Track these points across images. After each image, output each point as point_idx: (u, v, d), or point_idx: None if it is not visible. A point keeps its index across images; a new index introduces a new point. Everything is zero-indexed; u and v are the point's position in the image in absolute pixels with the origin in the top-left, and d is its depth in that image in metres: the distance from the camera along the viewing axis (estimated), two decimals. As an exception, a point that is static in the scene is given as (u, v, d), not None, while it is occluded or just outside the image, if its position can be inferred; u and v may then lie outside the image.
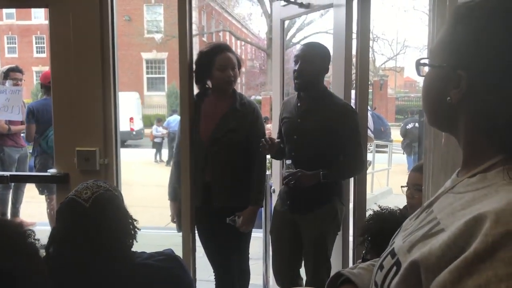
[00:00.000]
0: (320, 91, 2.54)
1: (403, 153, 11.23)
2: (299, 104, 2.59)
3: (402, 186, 2.16)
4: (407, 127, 10.99)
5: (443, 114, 0.80)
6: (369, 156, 7.57)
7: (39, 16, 26.04)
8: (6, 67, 4.36)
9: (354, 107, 2.57)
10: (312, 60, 2.46)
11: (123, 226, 1.43)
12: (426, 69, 0.84)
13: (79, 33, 2.41)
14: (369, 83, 3.73)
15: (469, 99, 0.74)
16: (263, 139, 2.51)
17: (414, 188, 2.05)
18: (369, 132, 4.26)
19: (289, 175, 2.46)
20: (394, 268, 0.74)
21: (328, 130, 2.46)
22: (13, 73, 4.27)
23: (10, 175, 2.74)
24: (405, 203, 2.17)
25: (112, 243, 1.37)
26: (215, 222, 2.62)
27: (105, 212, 1.39)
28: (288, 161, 2.56)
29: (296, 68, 2.48)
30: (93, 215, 1.36)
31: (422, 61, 0.83)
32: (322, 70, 2.51)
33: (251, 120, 2.61)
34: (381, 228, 1.67)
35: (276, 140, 2.58)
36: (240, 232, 2.60)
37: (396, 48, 30.32)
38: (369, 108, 3.23)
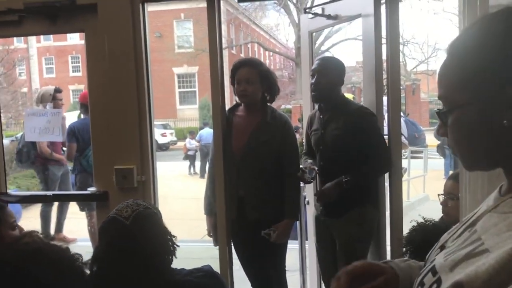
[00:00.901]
0: (338, 101, 2.63)
1: (440, 158, 11.04)
2: (321, 116, 2.68)
3: (439, 194, 2.15)
4: None
5: (490, 149, 0.74)
6: (404, 163, 7.45)
7: (74, 37, 26.92)
8: (51, 88, 4.60)
9: (370, 110, 2.59)
10: (327, 74, 2.58)
11: (163, 242, 1.46)
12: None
13: (113, 54, 2.49)
14: (401, 87, 3.67)
15: None
16: (301, 169, 2.62)
17: (448, 196, 2.07)
18: (403, 138, 4.21)
19: (315, 195, 2.63)
20: (435, 285, 0.74)
21: (349, 136, 2.53)
22: (57, 94, 4.53)
23: (53, 194, 2.85)
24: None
25: (153, 259, 1.41)
26: (250, 235, 2.64)
27: (145, 229, 1.42)
28: (311, 163, 2.66)
29: (313, 81, 2.60)
30: (134, 232, 1.40)
31: (445, 110, 0.77)
32: (337, 82, 2.63)
33: (283, 132, 2.64)
34: (423, 241, 1.65)
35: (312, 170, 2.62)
36: (276, 244, 2.61)
37: (427, 51, 29.67)
38: (402, 114, 3.18)
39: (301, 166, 2.68)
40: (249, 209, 2.61)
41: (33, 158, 4.72)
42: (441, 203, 2.13)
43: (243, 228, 2.64)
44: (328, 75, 2.57)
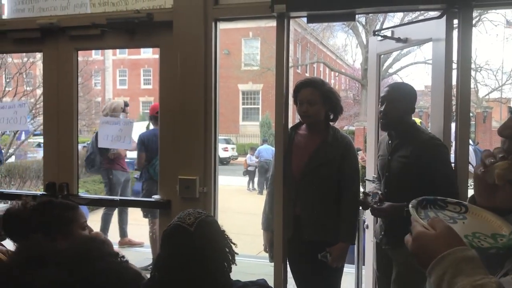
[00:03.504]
0: (408, 128, 2.54)
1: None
2: (390, 142, 2.61)
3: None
4: None
5: None
6: (470, 193, 7.09)
7: (147, 51, 28.22)
8: (121, 101, 5.02)
9: (441, 140, 2.49)
10: (397, 102, 2.49)
11: (224, 249, 1.50)
12: None
13: (185, 69, 2.61)
14: (471, 115, 3.52)
15: None
16: (364, 192, 2.59)
17: None
18: (470, 167, 4.02)
19: (373, 210, 2.52)
20: None
21: (417, 166, 2.43)
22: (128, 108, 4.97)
23: (120, 199, 3.00)
24: None
25: (216, 265, 1.45)
26: (305, 255, 2.63)
27: (209, 235, 1.47)
28: (375, 187, 2.59)
29: (382, 109, 2.52)
30: (198, 239, 1.45)
31: None
32: (408, 110, 2.53)
33: (343, 154, 2.61)
34: None
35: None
36: (331, 267, 2.57)
37: (502, 78, 28.18)
38: (471, 142, 3.06)
39: (364, 190, 2.63)
40: (305, 229, 2.60)
41: (99, 164, 5.04)
42: None
43: (298, 248, 2.63)
44: (398, 105, 2.49)
